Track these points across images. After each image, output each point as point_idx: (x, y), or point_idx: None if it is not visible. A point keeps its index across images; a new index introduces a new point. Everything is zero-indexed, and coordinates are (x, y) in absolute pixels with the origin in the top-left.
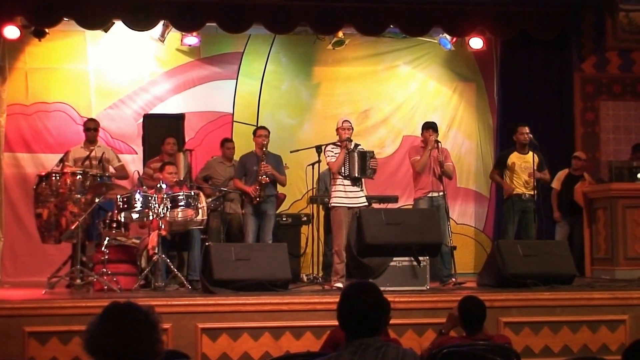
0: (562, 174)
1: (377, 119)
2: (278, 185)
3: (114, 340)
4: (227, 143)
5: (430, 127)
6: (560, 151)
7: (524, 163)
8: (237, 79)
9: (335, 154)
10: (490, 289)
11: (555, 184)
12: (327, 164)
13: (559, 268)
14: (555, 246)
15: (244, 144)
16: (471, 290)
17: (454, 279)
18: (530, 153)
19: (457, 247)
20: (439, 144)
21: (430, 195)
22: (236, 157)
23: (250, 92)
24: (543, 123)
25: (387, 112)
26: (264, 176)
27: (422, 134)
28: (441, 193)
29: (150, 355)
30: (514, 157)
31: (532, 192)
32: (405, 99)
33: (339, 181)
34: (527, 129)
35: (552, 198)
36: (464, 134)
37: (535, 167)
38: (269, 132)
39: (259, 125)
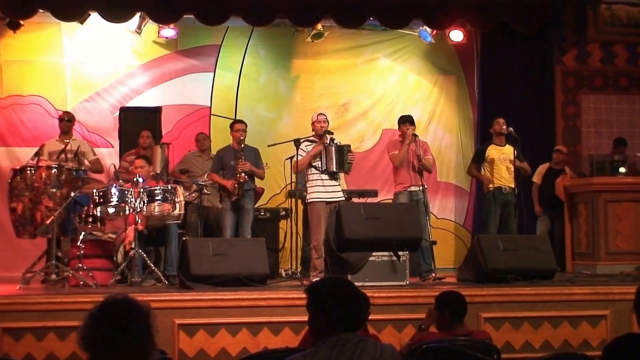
0: (543, 168)
1: (357, 112)
2: (256, 179)
3: (109, 336)
4: (197, 135)
5: (406, 120)
6: (541, 145)
7: (502, 155)
8: (214, 72)
9: (309, 151)
10: (471, 284)
11: (536, 178)
12: (296, 161)
13: (539, 263)
14: (536, 241)
15: (222, 138)
16: (451, 285)
17: (433, 274)
18: (508, 145)
19: (437, 241)
20: (417, 137)
21: (410, 189)
22: (213, 151)
23: (228, 85)
24: (524, 116)
25: (367, 106)
26: (243, 174)
27: (399, 128)
28: (421, 187)
29: (143, 354)
30: (492, 150)
31: (512, 185)
32: (385, 92)
33: (316, 176)
34: (502, 120)
35: (532, 192)
36: (444, 128)
37: (513, 159)
38: (246, 126)
39: (237, 118)
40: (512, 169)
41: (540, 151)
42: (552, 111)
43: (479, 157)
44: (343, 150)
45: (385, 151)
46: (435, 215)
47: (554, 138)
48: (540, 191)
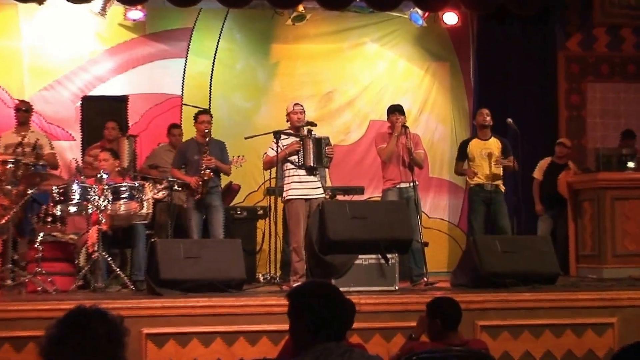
0: (544, 163)
1: (342, 102)
2: (225, 175)
3: (72, 350)
4: (173, 129)
5: (396, 110)
6: (543, 137)
7: (484, 150)
8: (186, 58)
9: (283, 145)
10: (466, 289)
11: (537, 174)
12: (265, 155)
13: (541, 266)
14: (537, 242)
15: (194, 130)
16: (445, 290)
17: (425, 279)
18: (493, 139)
19: (429, 243)
20: (408, 129)
21: (399, 186)
22: None
23: (201, 72)
24: (524, 106)
25: (353, 95)
26: (207, 171)
27: (388, 119)
28: (411, 184)
29: None
30: (474, 145)
31: (498, 182)
32: (373, 80)
33: (292, 171)
34: (486, 111)
35: (533, 189)
36: (437, 119)
37: (498, 154)
38: (212, 117)
39: (209, 108)
40: (499, 165)
41: (542, 144)
42: (555, 101)
43: (462, 154)
44: (321, 144)
45: (373, 144)
46: (427, 215)
47: (557, 130)
48: (542, 188)
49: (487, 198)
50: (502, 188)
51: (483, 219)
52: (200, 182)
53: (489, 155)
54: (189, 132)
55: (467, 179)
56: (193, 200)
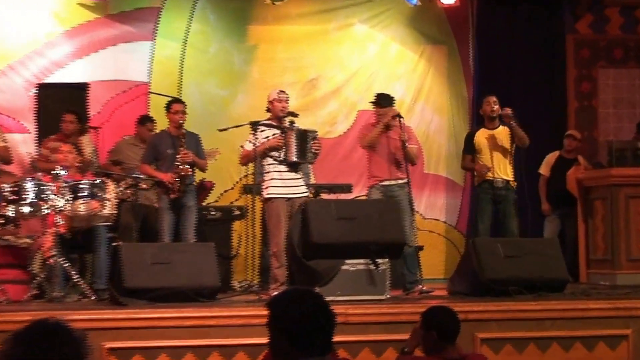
0: (551, 158)
1: (327, 90)
2: (207, 171)
3: None
4: (148, 123)
5: (384, 100)
6: (550, 129)
7: (493, 140)
8: (153, 41)
9: (264, 138)
10: (464, 297)
11: (544, 170)
12: (242, 148)
13: (548, 272)
14: (543, 245)
15: (163, 122)
16: (441, 299)
17: (420, 286)
18: (502, 127)
19: (423, 247)
20: (402, 119)
21: (383, 183)
22: None
23: (171, 56)
24: (529, 95)
25: (340, 82)
26: (185, 166)
27: (378, 109)
28: (400, 181)
29: None
30: (481, 135)
31: (508, 177)
32: (362, 65)
33: (272, 167)
34: (494, 99)
35: (539, 186)
36: (432, 108)
37: (508, 143)
38: (186, 107)
39: (181, 97)
40: (509, 157)
41: (549, 137)
42: (563, 89)
43: (469, 146)
44: (306, 137)
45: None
46: (422, 215)
47: (565, 121)
48: (549, 185)
49: (496, 196)
50: (513, 184)
51: (490, 220)
52: (176, 179)
53: (499, 146)
54: (157, 124)
55: (476, 174)
56: (167, 199)
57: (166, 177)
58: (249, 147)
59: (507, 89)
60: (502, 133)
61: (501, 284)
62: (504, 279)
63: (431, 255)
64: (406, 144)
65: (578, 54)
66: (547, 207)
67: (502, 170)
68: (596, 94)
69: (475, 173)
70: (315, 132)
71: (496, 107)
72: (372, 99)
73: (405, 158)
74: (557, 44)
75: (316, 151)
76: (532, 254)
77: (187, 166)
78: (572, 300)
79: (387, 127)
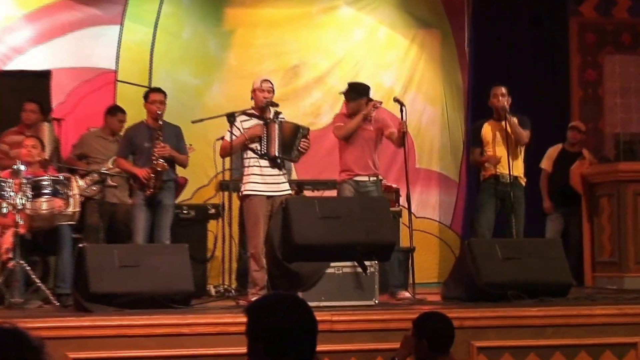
0: (554, 151)
1: (310, 78)
2: (177, 167)
3: None
4: (119, 113)
5: (355, 91)
6: (552, 121)
7: (500, 133)
8: (121, 25)
9: (245, 129)
10: (460, 303)
11: (546, 164)
12: (222, 139)
13: (550, 275)
14: (545, 246)
15: (131, 112)
16: (434, 305)
17: (408, 293)
18: (512, 118)
19: (415, 248)
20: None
21: (356, 178)
22: None
23: (140, 42)
24: (529, 84)
25: (324, 69)
26: (161, 161)
27: (347, 103)
28: (373, 177)
29: None
30: (488, 128)
31: (517, 173)
32: (348, 51)
33: (252, 161)
34: (502, 90)
35: (541, 182)
36: (425, 98)
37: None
38: (165, 97)
39: (151, 86)
40: (519, 151)
41: (551, 129)
42: (566, 77)
43: (476, 138)
44: (296, 132)
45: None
46: (413, 214)
47: (569, 112)
48: (551, 181)
49: (503, 193)
50: (523, 181)
51: (493, 218)
52: (152, 174)
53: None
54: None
55: (487, 165)
56: (142, 196)
57: (141, 172)
58: (229, 137)
59: (506, 77)
60: (509, 127)
61: (499, 289)
62: (503, 282)
63: (424, 258)
64: (383, 133)
65: (582, 39)
66: (549, 205)
67: (511, 165)
68: (602, 83)
69: (485, 166)
70: (307, 129)
71: (504, 99)
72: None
73: (399, 142)
74: (559, 28)
75: (303, 150)
76: (533, 255)
77: (163, 161)
78: (576, 306)
79: (364, 118)
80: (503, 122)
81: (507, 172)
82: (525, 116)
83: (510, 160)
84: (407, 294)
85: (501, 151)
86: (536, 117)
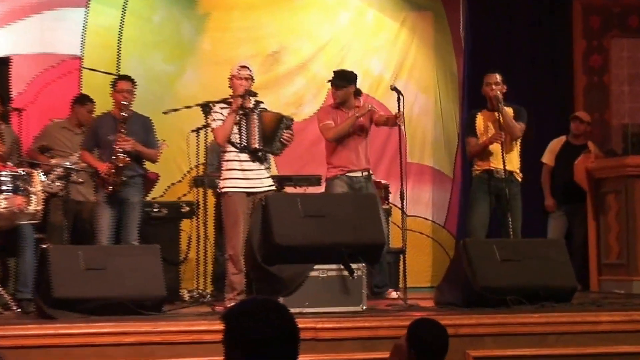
0: (556, 144)
1: (292, 65)
2: (150, 162)
3: None
4: (88, 103)
5: (342, 78)
6: (555, 111)
7: (493, 122)
8: (87, 7)
9: (225, 116)
10: (455, 309)
11: (547, 158)
12: (212, 130)
13: (552, 279)
14: (547, 247)
15: (97, 103)
16: (427, 311)
17: (397, 292)
18: (507, 109)
19: (406, 249)
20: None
21: (350, 174)
22: None
23: (108, 26)
24: (529, 71)
25: (307, 55)
26: (122, 155)
27: (334, 91)
28: (366, 172)
29: None
30: (481, 119)
31: (513, 168)
32: (333, 35)
33: (232, 155)
34: (496, 77)
35: (542, 178)
36: (416, 86)
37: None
38: (134, 85)
39: (120, 74)
40: (515, 144)
41: (553, 120)
42: (570, 63)
43: (471, 128)
44: (279, 123)
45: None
46: (404, 212)
47: (572, 101)
48: (553, 176)
49: (497, 189)
50: (519, 176)
51: (486, 216)
52: (112, 170)
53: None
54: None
55: (475, 163)
56: (104, 193)
57: (101, 166)
58: (217, 123)
59: (505, 64)
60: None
61: (497, 293)
62: (501, 286)
63: (416, 260)
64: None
65: (587, 22)
66: (552, 202)
67: (506, 159)
68: (608, 69)
69: (474, 163)
70: (290, 119)
71: (497, 87)
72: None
73: (392, 122)
74: (562, 9)
75: (286, 142)
76: (534, 257)
77: (125, 155)
78: (580, 312)
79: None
80: (496, 113)
81: (502, 167)
82: (523, 107)
83: (505, 154)
84: (395, 294)
85: (496, 144)
86: (537, 107)
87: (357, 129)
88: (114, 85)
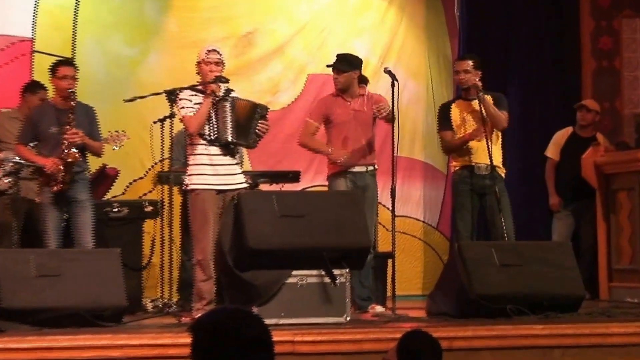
0: (561, 136)
1: (267, 48)
2: (116, 154)
3: None
4: (41, 91)
5: (346, 63)
6: (559, 99)
7: (470, 113)
8: None
9: (195, 104)
10: (449, 319)
11: (552, 152)
12: (181, 120)
13: (557, 286)
14: (551, 250)
15: (51, 90)
16: (418, 322)
17: (383, 308)
18: (482, 96)
19: (395, 253)
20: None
21: (354, 169)
22: None
23: (62, 5)
24: (532, 54)
25: (284, 37)
26: (73, 150)
27: (335, 76)
28: (371, 167)
29: None
30: (456, 109)
31: (495, 162)
32: (313, 15)
33: (200, 148)
34: (466, 64)
35: (546, 173)
36: (406, 72)
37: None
38: (77, 70)
39: (76, 58)
40: (495, 136)
41: (558, 109)
42: (577, 46)
43: (445, 120)
44: (253, 113)
45: (311, 109)
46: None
47: (579, 87)
48: (559, 172)
49: (480, 187)
50: (502, 171)
51: (473, 218)
52: (61, 166)
53: (479, 120)
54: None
55: (453, 158)
56: (49, 192)
57: (47, 162)
58: (189, 112)
59: (503, 47)
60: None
61: (496, 302)
62: (500, 295)
63: (405, 265)
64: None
65: (595, 1)
66: (556, 200)
67: (486, 153)
68: (619, 52)
69: (452, 158)
70: (265, 108)
71: (466, 77)
72: (328, 60)
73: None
74: None
75: (262, 133)
76: (537, 262)
77: (75, 150)
78: (589, 323)
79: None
80: (474, 102)
81: (484, 162)
82: (502, 94)
83: (485, 147)
84: (380, 308)
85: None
86: (540, 95)
87: (362, 121)
88: (53, 70)
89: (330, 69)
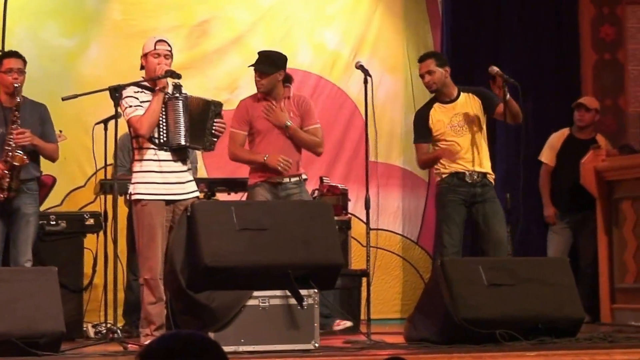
0: (557, 139)
1: (224, 39)
2: (44, 160)
3: None
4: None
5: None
6: (556, 97)
7: (453, 117)
8: None
9: (142, 102)
10: (431, 346)
11: (547, 157)
12: (128, 121)
13: (553, 308)
14: (547, 268)
15: None
16: (396, 349)
17: (349, 322)
18: (464, 96)
19: (370, 271)
20: (289, 88)
21: (273, 180)
22: None
23: None
24: (525, 46)
25: (243, 27)
26: (20, 153)
27: (257, 79)
28: (296, 178)
29: None
30: (435, 114)
31: (484, 168)
32: (275, 2)
33: (149, 153)
34: (427, 65)
35: (540, 181)
36: (383, 66)
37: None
38: (25, 64)
39: (5, 49)
40: (482, 140)
41: (555, 108)
42: (575, 36)
43: (423, 131)
44: (207, 111)
45: None
46: (368, 225)
47: (578, 83)
48: (555, 179)
49: (468, 195)
50: (492, 178)
51: (461, 231)
52: (6, 171)
53: (465, 124)
54: None
55: (440, 164)
56: None
57: None
58: (137, 113)
59: (493, 37)
60: (467, 105)
61: (484, 326)
62: (488, 318)
63: (381, 285)
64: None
65: None
66: (552, 212)
67: (476, 159)
68: (622, 43)
69: (438, 164)
70: (219, 104)
71: (432, 77)
72: (293, 51)
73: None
74: None
75: (218, 133)
76: (530, 280)
77: (22, 153)
78: (589, 350)
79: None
80: (453, 104)
81: (474, 169)
82: (486, 89)
83: (474, 153)
84: (347, 323)
85: (462, 141)
86: (535, 91)
87: (279, 129)
88: None
89: (301, 59)
